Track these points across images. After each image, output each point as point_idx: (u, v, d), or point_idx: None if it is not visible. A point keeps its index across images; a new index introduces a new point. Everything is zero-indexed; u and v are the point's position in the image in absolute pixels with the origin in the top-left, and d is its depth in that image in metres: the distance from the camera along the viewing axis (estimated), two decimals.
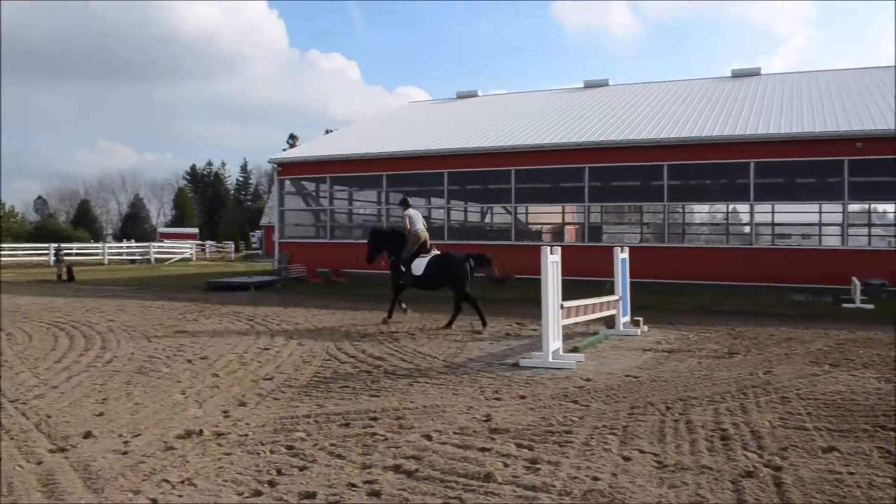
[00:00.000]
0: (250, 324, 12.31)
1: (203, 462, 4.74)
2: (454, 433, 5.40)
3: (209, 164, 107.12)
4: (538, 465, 4.63)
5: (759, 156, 19.27)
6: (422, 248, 12.40)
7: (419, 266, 12.13)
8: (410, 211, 12.88)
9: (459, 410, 6.13)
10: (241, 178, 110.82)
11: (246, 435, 5.39)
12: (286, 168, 26.59)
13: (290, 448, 5.04)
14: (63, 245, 34.86)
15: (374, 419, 5.84)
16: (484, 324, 11.53)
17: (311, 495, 4.13)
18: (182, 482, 4.36)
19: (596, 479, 4.36)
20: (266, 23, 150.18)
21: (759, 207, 21.23)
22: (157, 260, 43.77)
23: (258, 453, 4.94)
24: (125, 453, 4.93)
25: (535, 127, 24.41)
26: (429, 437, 5.28)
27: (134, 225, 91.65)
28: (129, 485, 4.30)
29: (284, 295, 18.51)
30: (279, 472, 4.53)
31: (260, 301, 16.56)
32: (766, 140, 19.15)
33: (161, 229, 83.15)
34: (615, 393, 6.82)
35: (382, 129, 29.56)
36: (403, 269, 12.33)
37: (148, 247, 46.29)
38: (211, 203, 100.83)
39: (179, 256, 46.43)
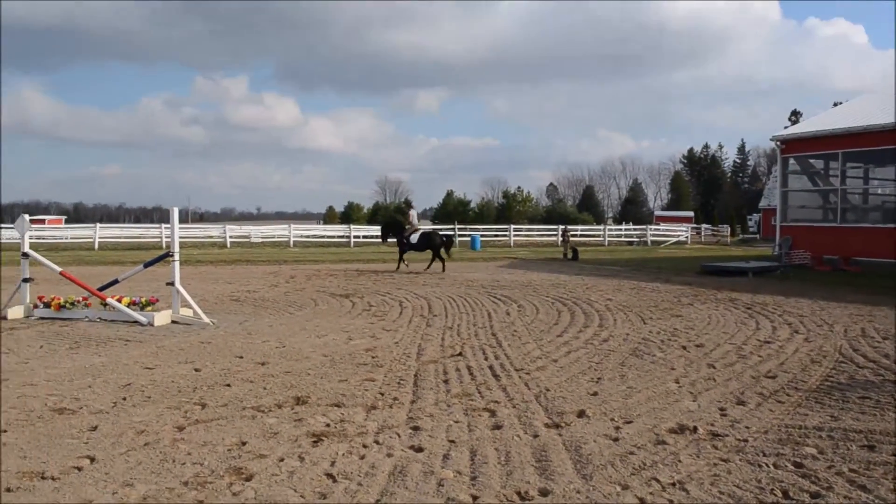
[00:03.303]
0: (748, 312, 11.43)
1: (696, 465, 4.30)
2: None
3: (706, 146, 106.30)
4: None
5: None
6: (415, 230, 20.75)
7: (414, 238, 20.33)
8: (412, 211, 22.06)
9: None
10: (737, 160, 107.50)
11: (745, 440, 4.78)
12: (790, 145, 24.40)
13: (798, 466, 4.29)
14: (569, 227, 38.09)
15: None
16: (443, 269, 19.69)
17: None
18: (673, 484, 3.98)
19: None
20: None
21: None
22: (652, 242, 44.69)
23: (760, 465, 4.30)
24: (616, 440, 4.77)
25: None
26: None
27: (632, 208, 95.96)
28: (617, 476, 4.09)
29: (786, 283, 16.95)
30: (785, 495, 3.83)
31: (759, 288, 15.40)
32: None
33: (657, 212, 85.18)
34: None
35: None
36: (405, 241, 20.39)
37: (644, 229, 47.62)
38: (707, 186, 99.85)
39: (674, 239, 46.65)
